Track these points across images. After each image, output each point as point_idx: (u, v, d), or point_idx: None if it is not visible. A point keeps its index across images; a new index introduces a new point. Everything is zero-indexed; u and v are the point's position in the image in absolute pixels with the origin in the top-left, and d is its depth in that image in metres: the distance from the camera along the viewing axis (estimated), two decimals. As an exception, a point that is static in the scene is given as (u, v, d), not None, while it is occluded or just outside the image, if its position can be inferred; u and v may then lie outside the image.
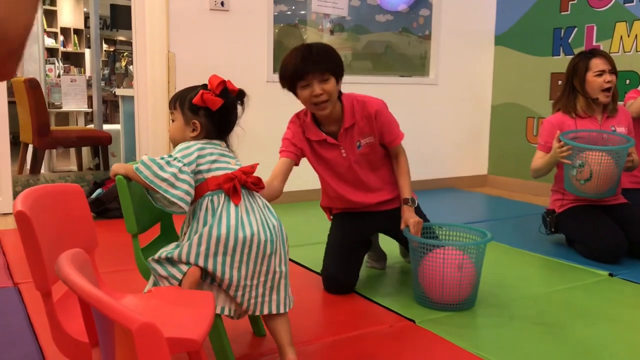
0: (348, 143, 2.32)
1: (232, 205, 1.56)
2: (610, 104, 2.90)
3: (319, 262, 2.65)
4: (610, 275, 2.60)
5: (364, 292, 2.37)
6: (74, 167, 5.70)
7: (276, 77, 4.01)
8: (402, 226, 2.30)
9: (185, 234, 1.60)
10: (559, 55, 4.42)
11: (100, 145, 5.08)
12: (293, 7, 4.10)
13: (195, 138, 1.64)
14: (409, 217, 2.30)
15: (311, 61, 2.13)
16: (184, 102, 1.66)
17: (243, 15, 3.89)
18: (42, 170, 5.03)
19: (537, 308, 2.27)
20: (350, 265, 2.39)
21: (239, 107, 1.72)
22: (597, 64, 2.84)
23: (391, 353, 1.86)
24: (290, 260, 2.79)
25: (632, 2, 3.93)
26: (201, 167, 1.58)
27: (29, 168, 4.93)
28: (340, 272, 2.36)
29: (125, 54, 8.84)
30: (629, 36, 3.94)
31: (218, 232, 1.52)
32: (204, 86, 1.66)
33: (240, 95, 1.71)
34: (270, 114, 4.07)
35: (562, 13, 4.37)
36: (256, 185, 1.64)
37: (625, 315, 2.18)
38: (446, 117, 4.80)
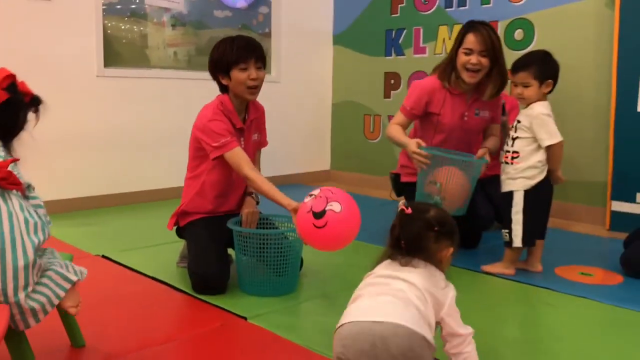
0: (249, 135, 2.48)
1: None
2: (489, 89, 2.73)
3: (153, 265, 2.57)
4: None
5: (192, 291, 2.30)
6: None
7: (107, 71, 3.85)
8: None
9: None
10: (391, 55, 4.66)
11: None
12: (125, -1, 3.90)
13: None
14: (246, 207, 2.45)
15: (252, 48, 2.36)
16: None
17: (67, 5, 3.61)
18: None
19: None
20: (226, 265, 2.35)
21: (32, 114, 1.55)
22: (469, 41, 2.64)
23: (223, 352, 1.82)
24: (119, 264, 2.65)
25: (452, 7, 4.25)
26: None
27: None
28: (223, 272, 2.30)
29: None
30: (450, 38, 4.25)
31: None
32: None
33: (35, 101, 1.55)
34: (100, 109, 3.84)
35: (393, 15, 4.62)
36: (5, 180, 1.43)
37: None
38: (290, 115, 4.86)
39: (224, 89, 2.44)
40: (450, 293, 1.51)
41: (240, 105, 2.43)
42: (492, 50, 2.64)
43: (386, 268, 1.53)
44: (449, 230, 1.53)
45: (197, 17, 4.26)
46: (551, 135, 2.47)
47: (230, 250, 2.45)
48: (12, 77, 1.49)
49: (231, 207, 2.51)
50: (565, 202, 3.66)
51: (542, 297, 2.37)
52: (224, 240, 2.39)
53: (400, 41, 4.59)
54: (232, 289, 2.33)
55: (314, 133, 5.14)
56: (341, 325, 1.42)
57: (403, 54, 4.57)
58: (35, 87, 1.61)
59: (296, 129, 4.94)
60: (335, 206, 1.94)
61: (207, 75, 4.80)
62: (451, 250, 1.54)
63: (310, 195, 2.01)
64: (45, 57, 3.53)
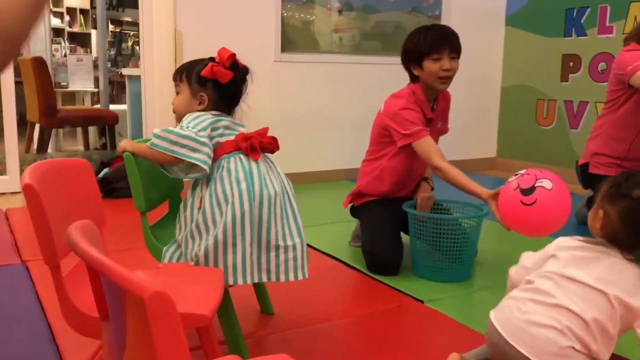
0: (435, 123, 2.44)
1: (253, 165, 1.56)
2: None
3: (326, 243, 2.66)
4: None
5: (366, 270, 2.35)
6: (81, 147, 5.70)
7: (284, 56, 4.03)
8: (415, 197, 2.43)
9: (197, 198, 1.57)
10: (571, 36, 4.35)
11: (107, 125, 5.07)
12: (301, -14, 4.04)
13: (202, 111, 1.62)
14: (421, 192, 2.43)
15: (446, 38, 2.30)
16: (191, 74, 1.63)
17: (251, -6, 3.85)
18: (49, 150, 5.03)
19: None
20: (399, 247, 2.38)
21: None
22: None
23: (399, 332, 1.85)
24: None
25: (647, -19, 3.85)
26: (215, 133, 1.57)
27: (36, 147, 4.93)
28: (397, 256, 2.34)
29: (131, 35, 8.80)
30: (643, 16, 3.87)
31: (240, 189, 1.51)
32: (211, 59, 1.63)
33: (246, 72, 1.68)
34: (277, 93, 4.04)
35: (575, -7, 4.30)
36: (271, 145, 1.63)
37: None
38: (455, 98, 4.66)
39: (414, 78, 2.39)
40: None
41: (430, 95, 2.38)
42: None
43: (576, 262, 1.37)
44: None
45: (367, 2, 4.30)
46: None
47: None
48: (233, 55, 1.61)
49: (407, 194, 2.51)
50: None
51: None
52: (399, 223, 2.41)
53: (582, 20, 4.26)
54: (404, 271, 2.35)
55: (480, 118, 4.97)
56: (492, 324, 1.41)
57: (585, 34, 4.24)
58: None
59: (462, 114, 4.78)
60: (545, 183, 1.77)
61: (371, 59, 4.84)
62: None
63: (515, 174, 1.89)
64: (231, 44, 3.77)
